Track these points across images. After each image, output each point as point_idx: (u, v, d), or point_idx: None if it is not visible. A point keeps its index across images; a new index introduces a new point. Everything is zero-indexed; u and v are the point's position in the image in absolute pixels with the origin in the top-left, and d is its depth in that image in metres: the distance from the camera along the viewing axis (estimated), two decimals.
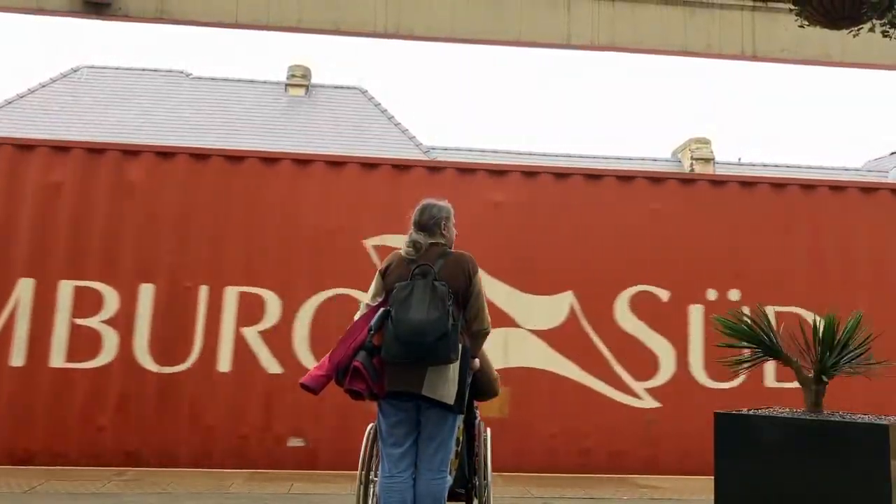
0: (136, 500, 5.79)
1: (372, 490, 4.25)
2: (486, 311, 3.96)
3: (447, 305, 3.65)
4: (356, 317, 3.93)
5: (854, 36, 5.05)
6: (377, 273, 4.00)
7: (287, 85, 27.50)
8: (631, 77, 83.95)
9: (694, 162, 28.39)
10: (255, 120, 25.86)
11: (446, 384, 3.69)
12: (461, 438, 4.21)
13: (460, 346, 3.73)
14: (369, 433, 4.25)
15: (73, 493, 6.02)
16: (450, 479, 3.94)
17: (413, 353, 3.62)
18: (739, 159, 30.13)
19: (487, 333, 4.00)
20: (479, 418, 4.38)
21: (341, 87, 28.09)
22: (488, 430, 4.45)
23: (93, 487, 6.30)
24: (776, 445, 3.67)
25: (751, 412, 3.96)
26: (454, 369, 3.71)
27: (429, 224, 4.00)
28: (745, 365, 4.25)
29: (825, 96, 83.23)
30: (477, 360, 4.04)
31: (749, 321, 4.15)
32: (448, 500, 3.96)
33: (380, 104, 27.30)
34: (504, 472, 6.71)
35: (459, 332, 3.74)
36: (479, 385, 4.13)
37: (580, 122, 76.13)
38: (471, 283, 3.86)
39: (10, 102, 24.93)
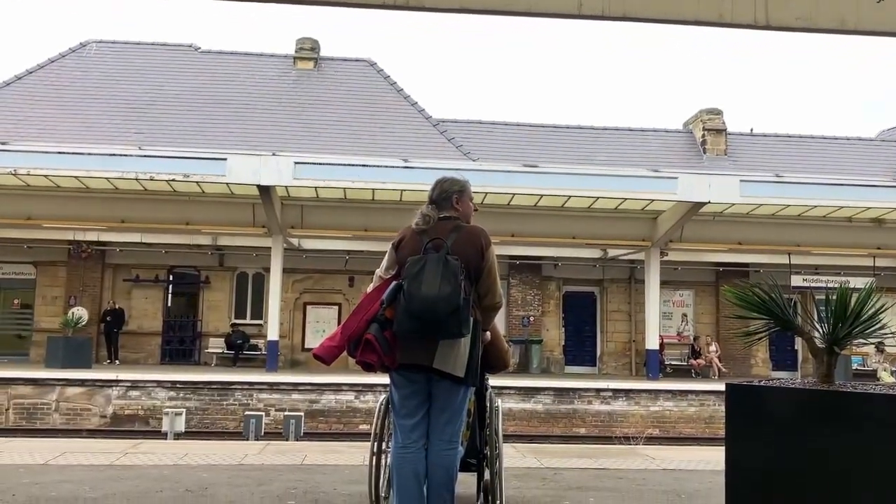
0: (151, 471, 5.87)
1: (384, 461, 4.30)
2: (499, 284, 3.95)
3: (459, 280, 3.65)
4: (369, 289, 3.94)
5: (878, 1, 4.96)
6: (391, 245, 4.01)
7: (296, 58, 27.31)
8: (642, 48, 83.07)
9: (706, 133, 28.17)
10: (265, 94, 25.76)
11: (457, 357, 3.71)
12: (472, 410, 4.24)
13: (471, 319, 3.74)
14: (381, 405, 4.28)
15: (90, 465, 6.10)
16: (461, 450, 3.97)
17: (425, 327, 3.63)
18: (752, 130, 29.90)
19: (499, 307, 4.01)
20: (489, 390, 4.40)
21: (350, 60, 27.89)
22: (499, 400, 4.47)
23: (107, 459, 6.39)
24: (788, 417, 3.67)
25: (762, 383, 3.96)
26: (465, 343, 3.72)
27: (440, 198, 4.00)
28: (757, 336, 4.24)
29: (841, 64, 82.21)
30: (488, 333, 4.06)
31: (761, 292, 4.13)
32: (460, 471, 4.00)
33: (389, 76, 27.12)
34: None
35: (471, 305, 3.75)
36: (489, 357, 4.14)
37: (593, 93, 75.52)
38: (483, 258, 3.86)
39: (19, 78, 24.92)
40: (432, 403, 3.84)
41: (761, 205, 19.61)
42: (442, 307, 3.58)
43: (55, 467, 6.01)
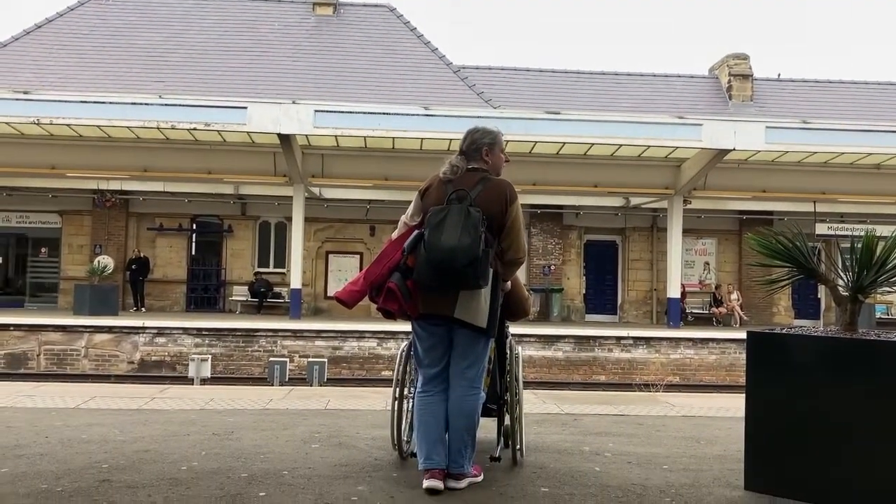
0: (179, 416, 5.99)
1: (406, 406, 4.36)
2: (522, 239, 3.92)
3: (480, 232, 3.62)
4: (394, 235, 3.95)
5: None
6: (417, 192, 3.99)
7: (315, 4, 27.00)
8: None
9: (732, 78, 27.63)
10: (284, 41, 25.54)
11: (478, 308, 3.71)
12: (493, 357, 4.27)
13: (491, 271, 3.73)
14: (403, 351, 4.33)
15: (119, 410, 6.24)
16: (483, 396, 4.00)
17: (443, 277, 3.63)
18: (779, 75, 29.29)
19: (522, 261, 3.98)
20: (509, 337, 4.42)
21: (369, 6, 27.52)
22: (519, 347, 4.49)
23: (136, 404, 6.53)
24: (810, 364, 3.66)
25: (784, 331, 3.95)
26: (485, 293, 3.72)
27: (470, 149, 3.96)
28: (780, 284, 4.21)
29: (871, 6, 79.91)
30: (508, 283, 4.05)
31: (785, 240, 4.09)
32: (481, 416, 4.04)
33: (409, 22, 26.75)
34: None
35: (492, 258, 3.73)
36: (509, 305, 4.15)
37: (618, 38, 74.12)
38: (507, 211, 3.81)
39: (39, 27, 24.85)
40: (453, 350, 3.87)
41: (787, 151, 19.29)
42: (460, 258, 3.58)
43: (85, 411, 6.15)
